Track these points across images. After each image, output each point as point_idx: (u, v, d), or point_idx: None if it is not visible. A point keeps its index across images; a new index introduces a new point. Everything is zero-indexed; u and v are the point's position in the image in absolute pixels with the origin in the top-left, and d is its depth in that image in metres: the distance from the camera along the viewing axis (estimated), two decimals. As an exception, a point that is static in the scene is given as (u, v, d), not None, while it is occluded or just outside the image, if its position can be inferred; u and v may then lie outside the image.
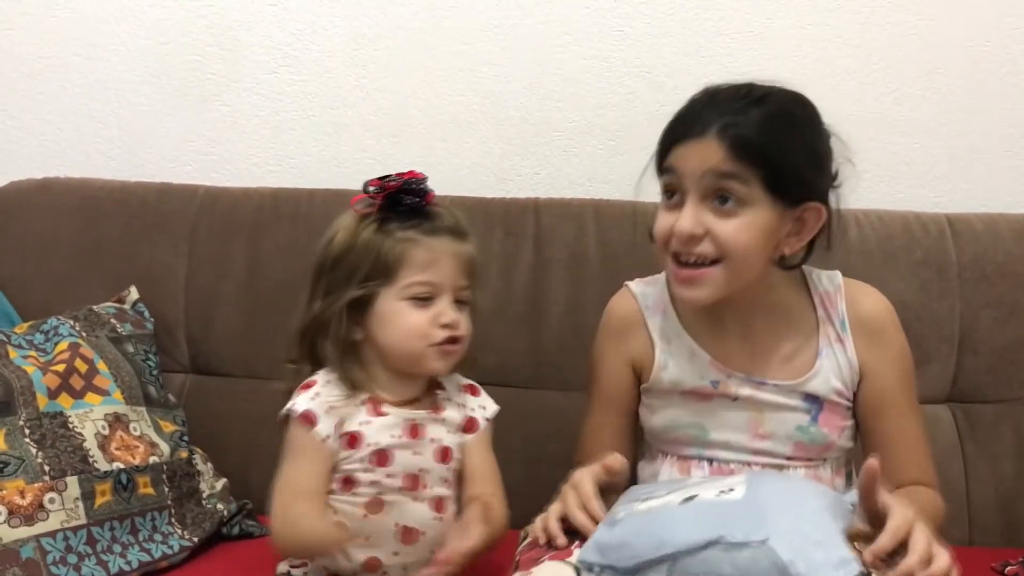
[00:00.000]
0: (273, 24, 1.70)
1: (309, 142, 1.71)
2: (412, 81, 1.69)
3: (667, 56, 1.63)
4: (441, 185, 1.61)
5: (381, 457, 1.09)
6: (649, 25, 1.64)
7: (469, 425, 1.16)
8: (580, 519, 1.00)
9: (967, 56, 1.62)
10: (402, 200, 1.09)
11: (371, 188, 1.11)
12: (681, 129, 1.08)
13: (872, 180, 1.63)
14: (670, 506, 0.92)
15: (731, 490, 0.92)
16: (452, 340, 1.10)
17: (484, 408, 1.19)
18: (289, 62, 1.70)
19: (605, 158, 1.66)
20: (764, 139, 1.05)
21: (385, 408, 1.11)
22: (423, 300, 1.09)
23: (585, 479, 1.04)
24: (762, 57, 1.61)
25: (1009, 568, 1.27)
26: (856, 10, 1.62)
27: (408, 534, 1.10)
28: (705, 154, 1.05)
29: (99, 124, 1.74)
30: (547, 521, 1.03)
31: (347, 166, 1.70)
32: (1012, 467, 1.43)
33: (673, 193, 1.09)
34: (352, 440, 1.09)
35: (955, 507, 1.42)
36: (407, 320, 1.08)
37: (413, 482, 1.10)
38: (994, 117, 1.63)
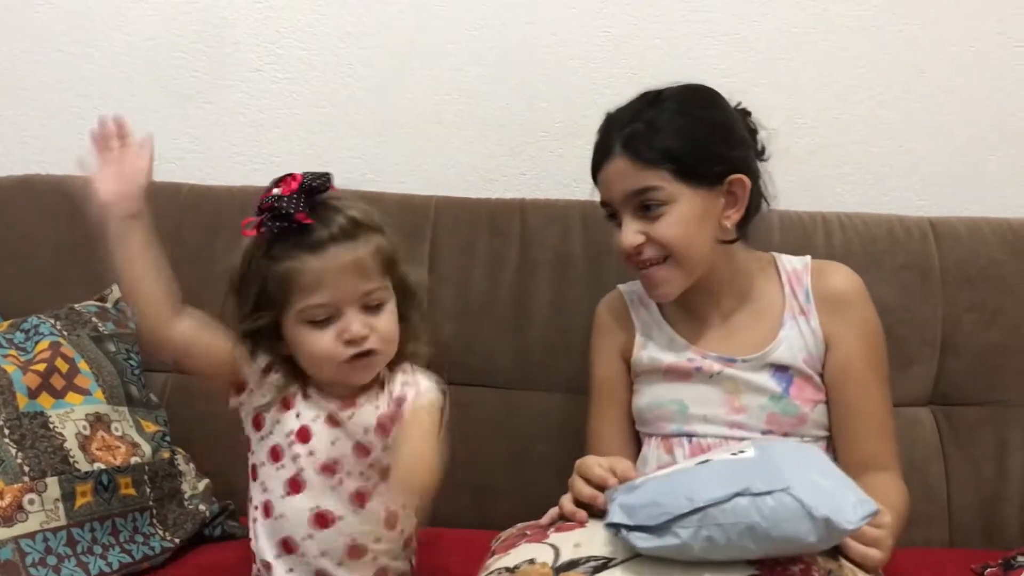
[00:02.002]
0: (258, 22, 1.69)
1: (294, 141, 1.70)
2: (398, 80, 1.68)
3: (654, 58, 1.64)
4: (427, 185, 1.63)
5: (303, 433, 1.06)
6: (636, 27, 1.64)
7: (395, 416, 1.08)
8: (587, 492, 1.02)
9: (952, 60, 1.63)
10: (270, 225, 1.02)
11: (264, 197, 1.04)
12: (595, 159, 1.23)
13: (856, 183, 1.64)
14: (687, 469, 0.98)
15: (742, 452, 0.98)
16: (363, 353, 1.04)
17: (418, 396, 1.09)
18: (274, 60, 1.69)
19: (591, 159, 1.66)
20: (664, 137, 1.16)
21: (310, 391, 1.08)
22: (322, 321, 1.03)
23: (592, 465, 1.05)
24: (748, 59, 1.61)
25: (989, 570, 1.28)
26: (842, 13, 1.63)
27: (321, 519, 1.06)
28: (617, 175, 1.18)
29: (82, 120, 1.71)
30: (562, 507, 1.05)
31: (332, 165, 1.64)
32: (993, 469, 1.44)
33: (613, 216, 1.22)
34: (286, 403, 1.07)
35: (936, 509, 1.43)
36: (312, 344, 1.03)
37: (331, 470, 1.07)
38: (978, 121, 1.64)
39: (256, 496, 1.10)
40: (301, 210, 1.01)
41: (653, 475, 0.99)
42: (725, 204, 1.18)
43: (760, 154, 1.26)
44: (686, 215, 1.15)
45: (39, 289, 1.53)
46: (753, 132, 1.26)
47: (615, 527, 0.92)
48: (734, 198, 1.18)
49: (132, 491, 1.29)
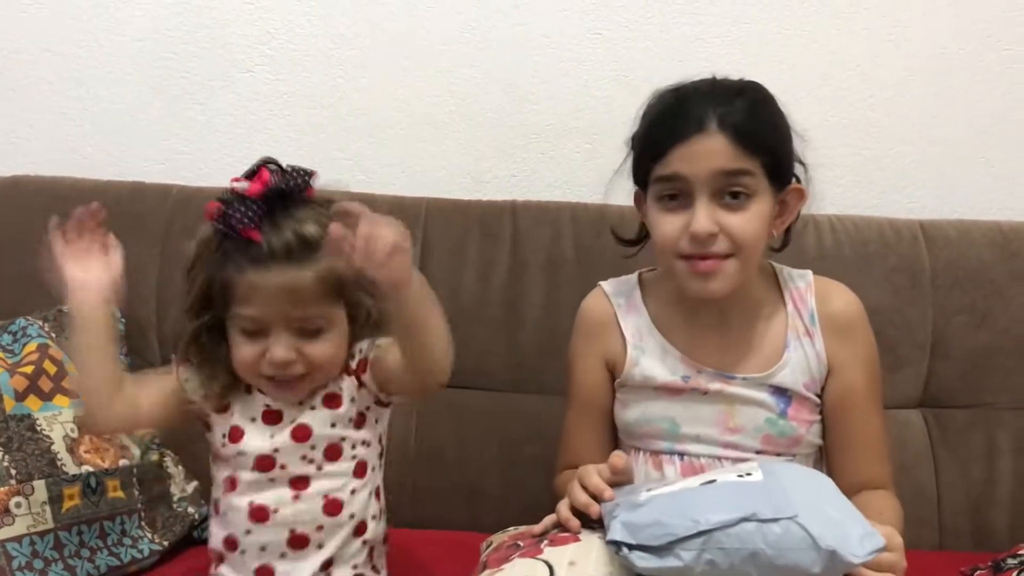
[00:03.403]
0: (249, 22, 1.68)
1: (284, 142, 1.70)
2: (389, 82, 1.68)
3: (644, 60, 1.64)
4: (417, 187, 1.63)
5: (234, 433, 1.06)
6: (627, 28, 1.64)
7: (360, 367, 1.07)
8: (583, 499, 1.01)
9: (941, 63, 1.63)
10: (219, 228, 1.00)
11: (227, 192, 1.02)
12: (675, 131, 1.07)
13: (846, 186, 1.64)
14: (692, 489, 0.95)
15: (749, 474, 0.95)
16: (287, 378, 1.03)
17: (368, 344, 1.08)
18: (265, 61, 1.69)
19: (582, 161, 1.66)
20: (760, 126, 1.07)
21: (252, 389, 1.08)
22: (253, 333, 1.01)
23: (591, 473, 1.03)
24: (739, 62, 1.60)
25: (979, 572, 1.28)
26: (832, 16, 1.63)
27: (258, 513, 1.05)
28: (711, 151, 1.05)
29: (71, 122, 1.72)
30: (559, 512, 1.03)
31: (323, 166, 1.63)
32: (982, 472, 1.45)
33: (674, 197, 1.09)
34: (224, 408, 1.07)
35: (926, 512, 1.44)
36: (239, 352, 1.03)
37: (267, 463, 1.05)
38: (968, 123, 1.64)
39: (213, 493, 1.11)
40: (250, 225, 0.98)
41: (656, 493, 0.96)
42: (777, 212, 1.11)
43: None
44: (763, 214, 1.08)
45: (27, 291, 1.50)
46: None
47: (615, 545, 0.90)
48: (785, 206, 1.12)
49: (120, 494, 1.29)
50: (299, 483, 1.06)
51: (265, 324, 1.01)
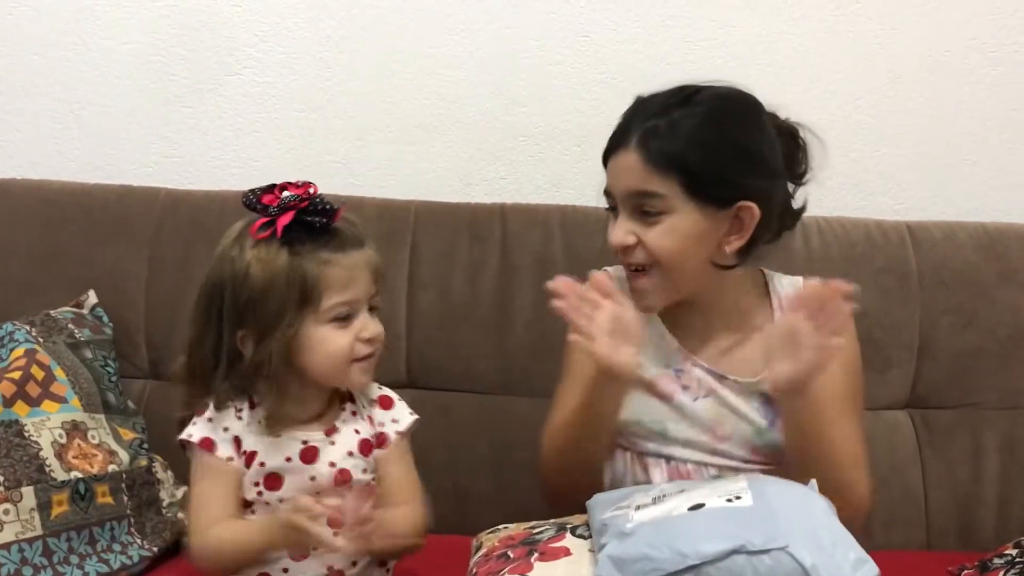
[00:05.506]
0: (237, 25, 1.68)
1: (273, 144, 1.69)
2: (378, 84, 1.68)
3: (633, 62, 1.64)
4: (406, 190, 1.63)
5: (272, 480, 1.05)
6: (615, 31, 1.65)
7: (379, 440, 1.10)
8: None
9: (928, 65, 1.64)
10: (308, 222, 1.02)
11: (269, 206, 1.02)
12: (611, 142, 1.14)
13: (834, 187, 1.65)
14: (680, 515, 0.93)
15: (738, 497, 0.94)
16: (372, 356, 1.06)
17: (396, 421, 1.12)
18: (253, 64, 1.68)
19: (571, 164, 1.67)
20: (683, 144, 1.09)
21: (279, 430, 1.05)
22: (344, 320, 1.03)
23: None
24: (727, 65, 1.62)
25: (966, 572, 1.29)
26: (820, 19, 1.64)
27: (299, 549, 1.04)
28: (624, 168, 1.11)
29: (58, 125, 1.71)
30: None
31: (311, 169, 1.68)
32: (969, 472, 1.46)
33: (614, 208, 1.15)
34: (248, 459, 1.05)
35: (913, 511, 1.45)
36: (333, 343, 1.03)
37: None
38: (954, 125, 1.65)
39: None
40: (336, 208, 1.03)
41: (644, 519, 0.94)
42: (730, 228, 1.11)
43: (798, 177, 1.20)
44: (683, 229, 1.09)
45: (14, 295, 1.52)
46: (795, 151, 1.20)
47: None
48: (740, 224, 1.11)
49: (109, 499, 1.28)
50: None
51: (356, 306, 1.04)
